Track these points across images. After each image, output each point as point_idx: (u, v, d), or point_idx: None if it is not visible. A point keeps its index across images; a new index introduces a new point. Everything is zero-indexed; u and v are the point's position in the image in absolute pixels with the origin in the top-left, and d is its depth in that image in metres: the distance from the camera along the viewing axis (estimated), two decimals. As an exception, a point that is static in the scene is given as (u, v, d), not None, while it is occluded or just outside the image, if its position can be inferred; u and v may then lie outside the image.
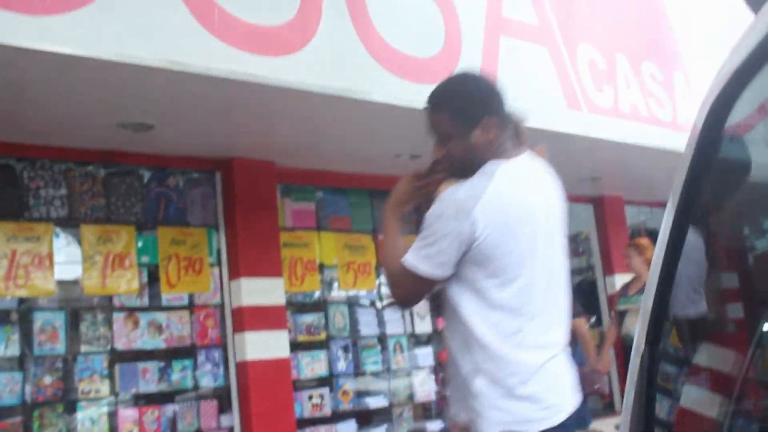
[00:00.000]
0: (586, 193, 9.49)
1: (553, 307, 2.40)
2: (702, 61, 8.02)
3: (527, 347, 2.29)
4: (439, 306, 2.58)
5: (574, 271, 11.58)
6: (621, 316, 6.62)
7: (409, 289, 2.41)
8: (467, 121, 2.37)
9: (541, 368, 2.28)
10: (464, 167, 2.39)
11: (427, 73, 5.48)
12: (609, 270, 9.63)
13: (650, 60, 7.63)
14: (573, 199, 9.60)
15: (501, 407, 2.25)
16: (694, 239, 1.81)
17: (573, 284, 11.36)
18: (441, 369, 7.63)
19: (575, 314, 6.46)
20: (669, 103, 7.68)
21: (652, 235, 11.32)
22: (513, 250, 2.28)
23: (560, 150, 7.12)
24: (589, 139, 6.81)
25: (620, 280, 9.58)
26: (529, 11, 6.51)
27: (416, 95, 5.41)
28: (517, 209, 2.31)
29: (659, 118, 7.51)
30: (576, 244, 11.62)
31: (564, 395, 2.33)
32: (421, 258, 2.31)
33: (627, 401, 1.78)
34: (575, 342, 6.47)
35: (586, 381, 6.26)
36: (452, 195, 2.31)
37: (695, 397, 1.83)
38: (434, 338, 7.79)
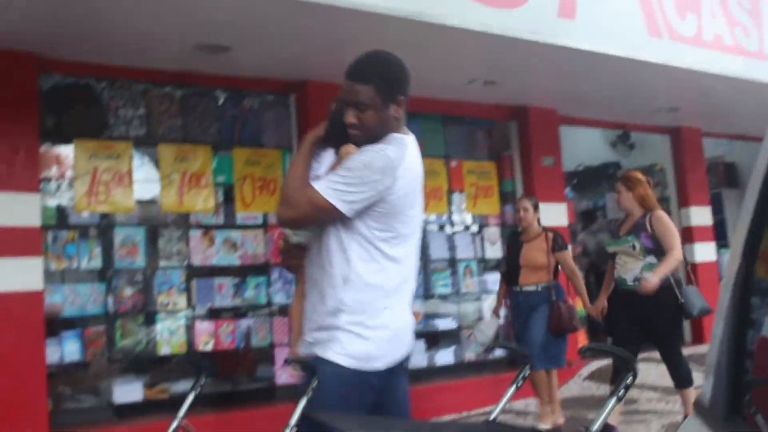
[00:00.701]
0: (664, 123, 9.27)
1: (415, 268, 2.74)
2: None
3: (397, 299, 2.61)
4: (296, 257, 2.94)
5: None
6: (611, 257, 5.84)
7: (305, 213, 2.58)
8: (387, 97, 2.57)
9: (399, 321, 2.62)
10: (371, 136, 2.60)
11: (504, -4, 5.39)
12: (684, 203, 9.45)
13: (738, -14, 7.34)
14: (650, 129, 9.41)
15: (354, 343, 2.51)
16: None
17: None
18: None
19: (559, 248, 6.07)
20: (755, 32, 7.40)
21: (731, 170, 11.05)
22: (412, 215, 2.62)
23: (639, 79, 7.02)
24: (669, 68, 6.62)
25: (696, 212, 9.42)
26: (612, -66, 6.30)
27: (491, 19, 5.33)
28: (418, 179, 2.66)
29: (744, 47, 7.24)
30: (651, 175, 11.42)
31: (401, 351, 2.63)
32: (335, 192, 2.50)
33: (716, 332, 1.78)
34: (555, 276, 6.14)
35: (565, 318, 5.95)
36: (382, 151, 2.53)
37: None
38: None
